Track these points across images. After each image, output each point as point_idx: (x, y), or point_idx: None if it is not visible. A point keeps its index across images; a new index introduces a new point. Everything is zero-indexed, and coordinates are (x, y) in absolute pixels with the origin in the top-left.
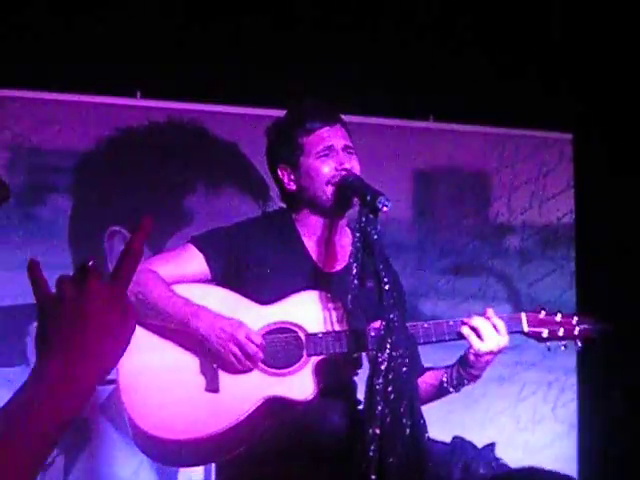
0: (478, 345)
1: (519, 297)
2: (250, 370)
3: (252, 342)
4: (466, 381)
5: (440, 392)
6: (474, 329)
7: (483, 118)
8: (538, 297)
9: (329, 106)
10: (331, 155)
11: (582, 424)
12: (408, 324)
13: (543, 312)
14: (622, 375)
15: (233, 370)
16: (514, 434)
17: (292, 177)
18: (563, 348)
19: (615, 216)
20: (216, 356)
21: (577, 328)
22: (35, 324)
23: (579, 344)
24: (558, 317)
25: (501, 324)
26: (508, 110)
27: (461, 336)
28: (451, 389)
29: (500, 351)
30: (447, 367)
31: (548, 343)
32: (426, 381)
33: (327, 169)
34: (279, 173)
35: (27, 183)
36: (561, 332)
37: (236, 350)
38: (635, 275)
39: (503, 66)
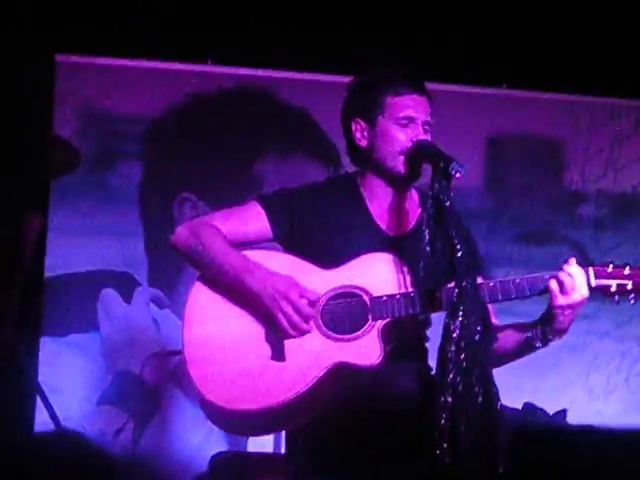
0: (559, 299)
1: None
2: (303, 333)
3: (306, 299)
4: (551, 336)
5: (528, 348)
6: (555, 284)
7: (557, 85)
8: None
9: (418, 75)
10: (410, 126)
11: None
12: (492, 281)
13: (611, 265)
14: None
15: (286, 332)
16: (586, 404)
17: (365, 134)
18: (632, 302)
19: None
20: (268, 316)
21: None
22: (105, 290)
23: None
24: (626, 270)
25: (581, 275)
26: (583, 77)
27: (542, 292)
28: (539, 344)
29: (582, 304)
30: (532, 323)
31: (617, 297)
32: (512, 338)
33: (403, 137)
34: (352, 126)
35: (98, 150)
36: (630, 285)
37: (289, 309)
38: None
39: (577, 34)
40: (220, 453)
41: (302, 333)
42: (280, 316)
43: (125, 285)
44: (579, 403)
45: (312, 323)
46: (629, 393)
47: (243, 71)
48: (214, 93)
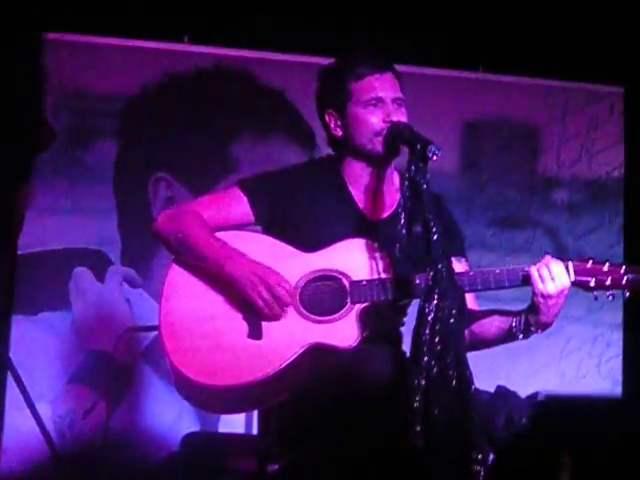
0: (540, 287)
1: (566, 250)
2: (277, 317)
3: (282, 287)
4: (533, 328)
5: (509, 337)
6: (536, 273)
7: (533, 70)
8: (585, 251)
9: (381, 53)
10: (379, 106)
11: (626, 380)
12: (473, 271)
13: (590, 261)
14: None
15: (263, 317)
16: (558, 388)
17: (339, 123)
18: (610, 298)
19: None
20: (246, 300)
21: (625, 277)
22: (78, 268)
23: (627, 294)
24: (605, 267)
25: (559, 266)
26: (559, 63)
27: (523, 282)
28: (520, 335)
29: (564, 295)
30: (517, 312)
31: (595, 293)
32: (496, 325)
33: (375, 120)
34: (326, 118)
35: (73, 127)
36: (608, 281)
37: (265, 293)
38: None
39: (555, 19)
40: (192, 433)
41: (279, 319)
42: (258, 301)
43: (98, 264)
44: (551, 387)
45: (290, 307)
46: (600, 378)
47: (220, 51)
48: (190, 72)
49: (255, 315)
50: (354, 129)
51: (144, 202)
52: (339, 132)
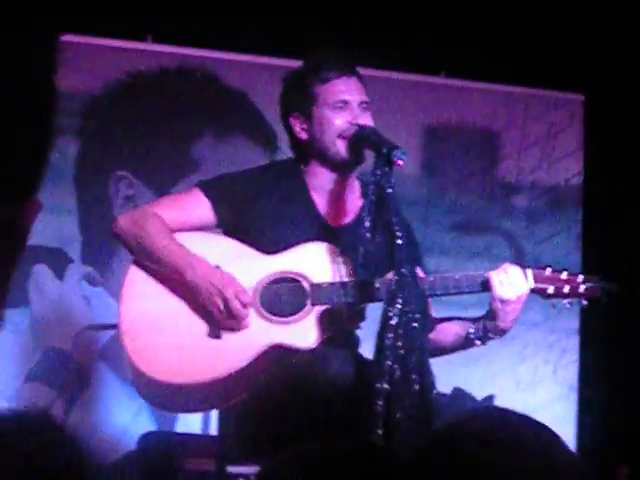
0: (499, 292)
1: (524, 257)
2: (234, 329)
3: (239, 301)
4: (491, 334)
5: (466, 343)
6: (495, 278)
7: (494, 76)
8: (543, 257)
9: (347, 57)
10: (345, 109)
11: (582, 386)
12: (432, 276)
13: (549, 269)
14: (623, 338)
15: (220, 325)
16: (514, 394)
17: (304, 126)
18: (568, 305)
19: (623, 179)
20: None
21: (582, 286)
22: (37, 266)
23: (584, 302)
24: (564, 275)
25: (518, 272)
26: (520, 69)
27: (481, 287)
28: (477, 341)
29: (521, 301)
30: (475, 319)
31: (553, 300)
32: (453, 331)
33: (339, 122)
34: (291, 121)
35: None
36: (566, 289)
37: (221, 305)
38: None
39: (516, 25)
40: (149, 432)
41: (235, 330)
42: (215, 312)
43: (58, 262)
44: (507, 393)
45: (250, 309)
46: (556, 384)
47: (183, 50)
48: (153, 72)
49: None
50: (319, 131)
51: (105, 200)
52: (304, 135)
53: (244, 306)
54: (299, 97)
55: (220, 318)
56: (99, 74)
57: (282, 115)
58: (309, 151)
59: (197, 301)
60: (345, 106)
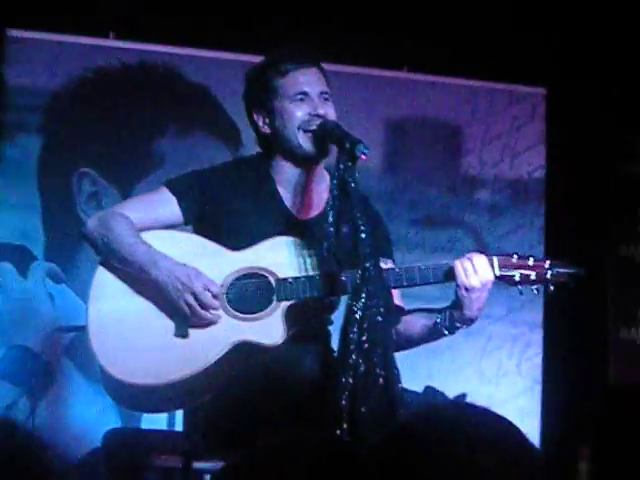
0: (464, 280)
1: (488, 250)
2: (207, 324)
3: (210, 292)
4: (458, 323)
5: (434, 334)
6: (460, 266)
7: (457, 70)
8: (507, 251)
9: (305, 49)
10: (305, 100)
11: (546, 379)
12: (398, 267)
13: (515, 256)
14: (586, 332)
15: (191, 322)
16: (478, 387)
17: (266, 121)
18: (536, 292)
19: (585, 171)
20: (174, 306)
21: (549, 272)
22: (0, 264)
23: (551, 288)
24: (530, 261)
25: (483, 260)
26: (482, 63)
27: (446, 277)
28: (445, 331)
29: (487, 289)
30: (441, 309)
31: (520, 287)
32: (421, 322)
33: (300, 113)
34: (254, 117)
35: None
36: (533, 276)
37: (192, 300)
38: (603, 232)
39: (479, 20)
40: (114, 429)
41: (206, 324)
42: (185, 307)
43: (21, 259)
44: (471, 386)
45: (217, 311)
46: (520, 377)
47: (145, 47)
48: (115, 68)
49: (182, 316)
50: (280, 125)
51: (68, 197)
52: (267, 130)
53: (214, 297)
54: (260, 92)
55: (190, 313)
56: (62, 71)
57: (246, 111)
58: (273, 145)
59: (164, 299)
60: (305, 98)
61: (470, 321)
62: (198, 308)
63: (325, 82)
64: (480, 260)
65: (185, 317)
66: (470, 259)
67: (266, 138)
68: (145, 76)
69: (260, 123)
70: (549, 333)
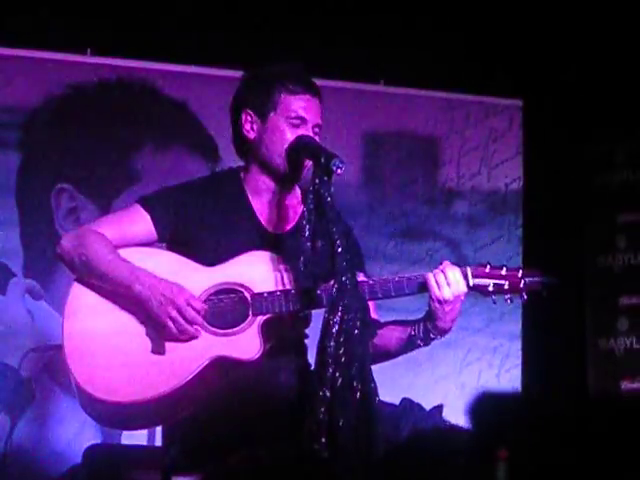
0: (437, 292)
1: (466, 262)
2: (189, 338)
3: (192, 307)
4: (432, 334)
5: (410, 345)
6: (433, 279)
7: (433, 83)
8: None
9: (308, 75)
10: (301, 126)
11: (526, 390)
12: (372, 279)
13: (488, 266)
14: (564, 342)
15: (173, 336)
16: (459, 398)
17: (254, 126)
18: (509, 302)
19: (563, 184)
20: (157, 321)
21: (522, 281)
22: None
23: (524, 297)
24: (503, 271)
25: (455, 272)
26: (458, 76)
27: (420, 289)
28: (420, 342)
29: (460, 300)
30: (415, 321)
31: (493, 297)
32: (396, 334)
33: (292, 138)
34: (243, 116)
35: None
36: (506, 285)
37: (175, 314)
38: (581, 244)
39: (455, 32)
40: (94, 445)
41: (190, 338)
42: (168, 322)
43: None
44: (451, 398)
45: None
46: (500, 388)
47: (122, 62)
48: (93, 84)
49: (159, 331)
50: (269, 139)
51: (47, 213)
52: (252, 135)
53: (197, 312)
54: (260, 97)
55: (174, 328)
56: (39, 87)
57: (233, 107)
58: (251, 152)
59: (143, 314)
60: (301, 124)
61: (444, 332)
62: (182, 322)
63: (321, 116)
64: (453, 272)
65: (164, 332)
66: (443, 271)
67: (246, 141)
68: (123, 92)
69: (247, 125)
70: (528, 344)
